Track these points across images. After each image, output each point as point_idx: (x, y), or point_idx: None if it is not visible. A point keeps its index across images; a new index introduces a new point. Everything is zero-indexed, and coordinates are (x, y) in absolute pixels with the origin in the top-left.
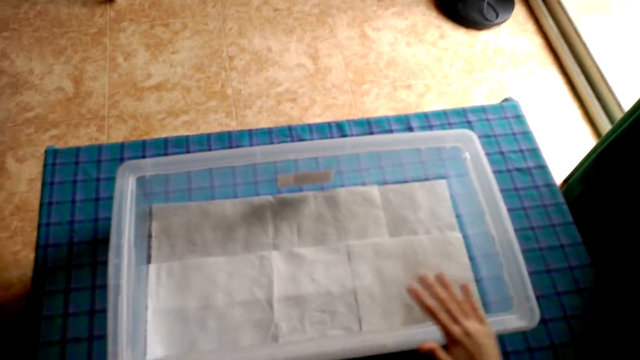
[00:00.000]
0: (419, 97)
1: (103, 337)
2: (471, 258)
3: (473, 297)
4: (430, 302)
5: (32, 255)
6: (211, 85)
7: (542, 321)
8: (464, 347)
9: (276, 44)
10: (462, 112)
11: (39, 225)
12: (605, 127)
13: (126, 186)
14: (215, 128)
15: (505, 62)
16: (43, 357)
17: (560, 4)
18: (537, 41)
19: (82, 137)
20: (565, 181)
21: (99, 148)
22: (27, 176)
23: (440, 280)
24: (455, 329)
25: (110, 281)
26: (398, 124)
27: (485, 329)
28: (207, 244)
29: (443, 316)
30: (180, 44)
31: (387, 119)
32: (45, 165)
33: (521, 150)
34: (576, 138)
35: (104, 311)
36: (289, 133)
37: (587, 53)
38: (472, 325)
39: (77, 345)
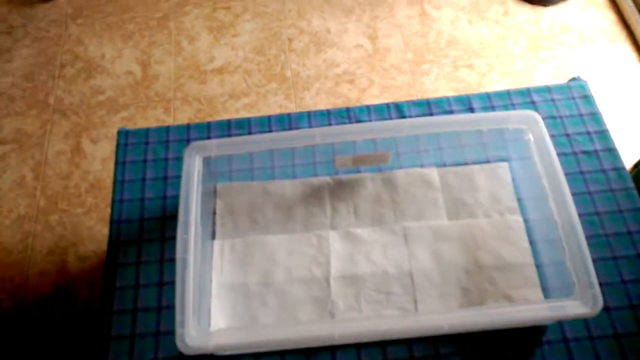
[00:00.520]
0: (480, 77)
1: (171, 307)
2: (532, 243)
3: None
4: None
5: (105, 230)
6: (271, 67)
7: (606, 309)
8: None
9: (335, 24)
10: (526, 92)
11: (113, 202)
12: None
13: (193, 166)
14: (274, 110)
15: (574, 40)
16: (117, 325)
17: None
18: (610, 16)
19: (150, 119)
20: (636, 165)
21: (167, 129)
22: (100, 155)
23: None
24: None
25: (179, 255)
26: (459, 105)
27: None
28: (267, 222)
29: None
30: (241, 26)
31: (447, 100)
32: (117, 145)
33: (588, 132)
34: None
35: (171, 283)
36: (347, 115)
37: None
38: None
39: (147, 314)
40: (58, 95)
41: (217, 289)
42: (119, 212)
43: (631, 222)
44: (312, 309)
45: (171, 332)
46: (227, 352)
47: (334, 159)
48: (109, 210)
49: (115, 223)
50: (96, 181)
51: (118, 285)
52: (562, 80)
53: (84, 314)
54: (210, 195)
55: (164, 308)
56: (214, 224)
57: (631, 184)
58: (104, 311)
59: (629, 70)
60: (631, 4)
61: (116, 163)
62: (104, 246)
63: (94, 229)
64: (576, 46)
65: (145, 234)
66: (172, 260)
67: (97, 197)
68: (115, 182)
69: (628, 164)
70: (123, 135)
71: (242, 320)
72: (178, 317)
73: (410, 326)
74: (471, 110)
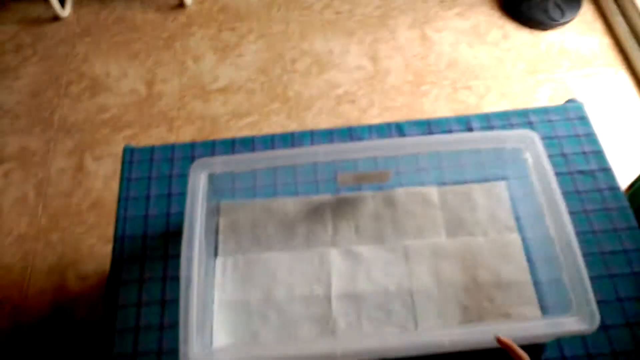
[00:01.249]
0: (479, 99)
1: (173, 325)
2: (530, 261)
3: None
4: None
5: (106, 249)
6: (274, 87)
7: (603, 327)
8: None
9: (337, 46)
10: (524, 113)
11: (117, 219)
12: None
13: (198, 183)
14: (276, 129)
15: (571, 63)
16: (119, 343)
17: (631, 0)
18: (606, 41)
19: (153, 137)
20: (631, 185)
21: (172, 147)
22: (103, 173)
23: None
24: None
25: (183, 272)
26: (458, 125)
27: None
28: (270, 239)
29: None
30: (246, 47)
31: (447, 120)
32: (123, 163)
33: (584, 153)
34: None
35: (174, 301)
36: (349, 134)
37: None
38: None
39: (150, 332)
40: (63, 113)
41: (220, 306)
42: (122, 229)
43: (627, 240)
44: (313, 326)
45: (174, 351)
46: None
47: (336, 176)
48: (110, 228)
49: (118, 240)
50: (98, 199)
51: (121, 303)
52: (560, 102)
53: (83, 333)
54: (213, 212)
55: (167, 326)
56: (216, 241)
57: (626, 203)
58: (106, 329)
59: (623, 93)
60: (627, 29)
61: (121, 180)
62: (104, 265)
63: (95, 247)
64: (574, 69)
65: (149, 251)
66: (176, 278)
67: (99, 215)
68: (119, 198)
69: (623, 184)
70: (129, 152)
71: (243, 337)
72: (182, 335)
73: (411, 343)
74: (470, 130)
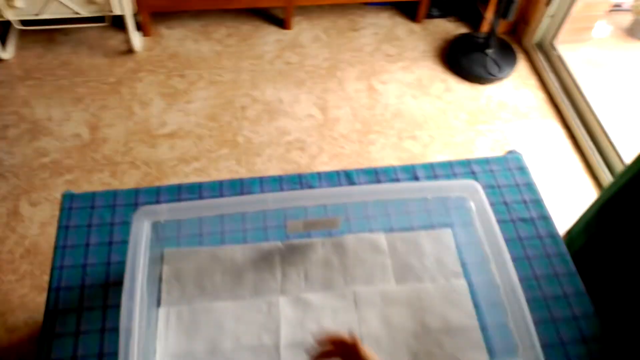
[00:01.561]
0: (424, 148)
1: None
2: (476, 306)
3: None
4: None
5: (39, 299)
6: (223, 133)
7: None
8: None
9: (287, 95)
10: (466, 163)
11: (52, 268)
12: (607, 179)
13: (142, 231)
14: (225, 175)
15: (509, 115)
16: None
17: (561, 59)
18: (540, 95)
19: (95, 182)
20: (568, 232)
21: (114, 193)
22: (39, 219)
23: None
24: None
25: (123, 324)
26: (404, 173)
27: None
28: (216, 288)
29: None
30: (195, 94)
31: (393, 169)
32: (61, 210)
33: (524, 201)
34: (578, 189)
35: (113, 354)
36: (299, 181)
37: (588, 107)
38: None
39: None
40: None
41: (162, 359)
42: (58, 278)
43: (566, 285)
44: None
45: None
46: None
47: (285, 223)
48: (45, 277)
49: (53, 290)
50: (33, 246)
51: (54, 358)
52: (499, 151)
53: None
54: (156, 260)
55: None
56: (159, 290)
57: (564, 249)
58: None
59: (557, 143)
60: (558, 86)
61: (59, 227)
62: (37, 316)
63: (26, 297)
64: (512, 121)
65: (86, 302)
66: (115, 330)
67: (32, 263)
68: (56, 247)
69: (561, 230)
70: (68, 198)
71: None
72: None
73: None
74: (416, 178)
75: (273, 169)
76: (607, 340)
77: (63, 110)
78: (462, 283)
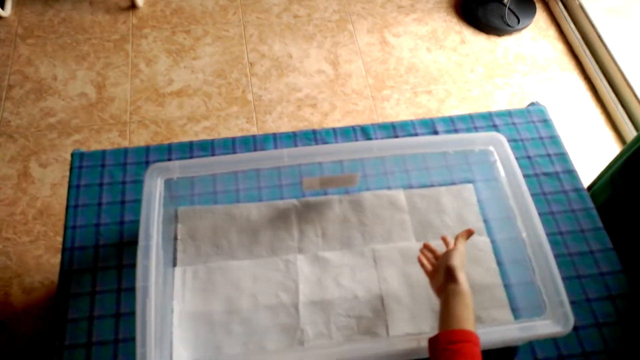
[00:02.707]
0: (439, 103)
1: (129, 340)
2: (499, 263)
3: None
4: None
5: (54, 260)
6: (232, 91)
7: (574, 328)
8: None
9: (296, 50)
10: (488, 116)
11: (65, 228)
12: (630, 132)
13: (154, 188)
14: (236, 133)
15: (527, 68)
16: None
17: (582, 8)
18: (559, 47)
19: (104, 142)
20: (589, 187)
21: (125, 151)
22: (50, 181)
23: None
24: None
25: (139, 283)
26: (423, 128)
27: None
28: (232, 247)
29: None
30: (202, 50)
31: (412, 123)
32: (71, 169)
33: (549, 155)
34: (599, 144)
35: (130, 314)
36: (314, 137)
37: (611, 58)
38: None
39: (103, 348)
40: (4, 117)
41: (179, 318)
42: (72, 238)
43: (593, 241)
44: (280, 337)
45: None
46: None
47: (301, 181)
48: (58, 238)
49: (67, 250)
50: (45, 207)
51: (70, 318)
52: (517, 106)
53: (29, 351)
54: (170, 219)
55: (121, 341)
56: (175, 250)
57: (591, 204)
58: (53, 346)
59: (578, 97)
60: (578, 35)
61: (69, 187)
62: (52, 277)
63: (41, 259)
64: (530, 74)
65: (101, 262)
66: (131, 290)
67: (46, 225)
68: (68, 207)
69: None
70: (77, 157)
71: (206, 351)
72: (139, 350)
73: (383, 351)
74: (435, 133)
75: (284, 127)
76: (635, 298)
77: (67, 69)
78: (484, 240)
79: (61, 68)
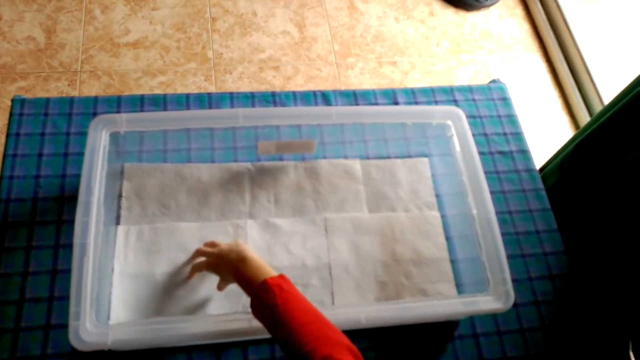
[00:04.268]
0: (403, 75)
1: (64, 298)
2: (448, 238)
3: None
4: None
5: None
6: (191, 46)
7: (514, 305)
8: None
9: (262, 8)
10: (449, 91)
11: (2, 178)
12: (584, 118)
13: (99, 141)
14: (193, 91)
15: (492, 46)
16: None
17: None
18: (525, 27)
19: (52, 91)
20: (541, 169)
21: (71, 100)
22: None
23: None
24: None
25: (77, 240)
26: (384, 98)
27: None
28: (180, 208)
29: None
30: (162, 0)
31: (373, 92)
32: (11, 115)
33: (505, 134)
34: (554, 127)
35: (66, 271)
36: (273, 99)
37: (573, 43)
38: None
39: (36, 305)
40: None
41: (120, 278)
42: (8, 189)
43: (539, 221)
44: (224, 302)
45: (63, 326)
46: (128, 348)
47: (256, 144)
48: None
49: (3, 202)
50: None
51: (3, 272)
52: (479, 83)
53: None
54: (116, 176)
55: (56, 299)
56: (119, 207)
57: (541, 185)
58: None
59: (539, 79)
60: (545, 17)
61: (8, 135)
62: None
63: None
64: (495, 52)
65: (39, 216)
66: (69, 246)
67: None
68: (5, 155)
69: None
70: (18, 103)
71: (146, 314)
72: (72, 309)
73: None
74: (396, 104)
75: (245, 88)
76: (572, 277)
77: (14, 9)
78: (434, 214)
79: (7, 7)
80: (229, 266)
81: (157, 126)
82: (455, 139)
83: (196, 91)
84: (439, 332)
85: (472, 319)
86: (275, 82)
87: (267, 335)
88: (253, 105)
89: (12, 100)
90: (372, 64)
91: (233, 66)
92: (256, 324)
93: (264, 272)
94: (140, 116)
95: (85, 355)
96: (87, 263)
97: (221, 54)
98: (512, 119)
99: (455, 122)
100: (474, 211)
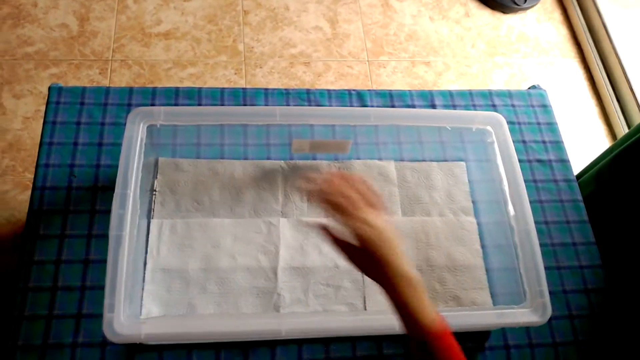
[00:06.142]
0: (437, 76)
1: (96, 288)
2: (482, 246)
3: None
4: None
5: (21, 197)
6: (222, 39)
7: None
8: (361, 234)
9: (294, 2)
10: (487, 95)
11: (37, 165)
12: (622, 127)
13: (136, 133)
14: (222, 84)
15: (528, 50)
16: (32, 304)
17: None
18: (563, 31)
19: (84, 79)
20: (578, 177)
21: (107, 90)
22: (22, 113)
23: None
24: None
25: (112, 232)
26: (421, 100)
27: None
28: (213, 204)
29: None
30: None
31: (410, 93)
32: (48, 103)
33: (544, 142)
34: (590, 135)
35: (99, 261)
36: (307, 97)
37: (613, 50)
38: (369, 215)
39: (69, 293)
40: None
41: (152, 272)
42: (43, 177)
43: (577, 233)
44: (256, 300)
45: (94, 316)
46: (159, 342)
47: (290, 142)
48: (27, 174)
49: (38, 189)
50: (15, 141)
51: (36, 259)
52: (514, 87)
53: None
54: (150, 169)
55: (88, 288)
56: (152, 201)
57: (579, 196)
58: (17, 288)
59: (575, 86)
60: (583, 22)
61: (44, 122)
62: (19, 215)
63: (8, 195)
64: (531, 56)
65: (73, 205)
66: (102, 236)
67: (15, 159)
68: (41, 143)
69: None
70: (55, 92)
71: (177, 309)
72: (107, 300)
73: (360, 325)
74: (433, 106)
75: (274, 83)
76: (608, 292)
77: None
78: (471, 220)
79: None
80: (383, 246)
81: (194, 120)
82: (496, 146)
83: (226, 84)
84: (470, 341)
85: (504, 330)
86: (306, 78)
87: (296, 337)
88: (287, 102)
89: (49, 88)
90: (405, 63)
91: (264, 60)
92: (287, 328)
93: (426, 301)
94: (178, 110)
95: (115, 345)
96: (123, 255)
97: (252, 47)
98: (552, 126)
99: (495, 129)
100: (513, 221)
